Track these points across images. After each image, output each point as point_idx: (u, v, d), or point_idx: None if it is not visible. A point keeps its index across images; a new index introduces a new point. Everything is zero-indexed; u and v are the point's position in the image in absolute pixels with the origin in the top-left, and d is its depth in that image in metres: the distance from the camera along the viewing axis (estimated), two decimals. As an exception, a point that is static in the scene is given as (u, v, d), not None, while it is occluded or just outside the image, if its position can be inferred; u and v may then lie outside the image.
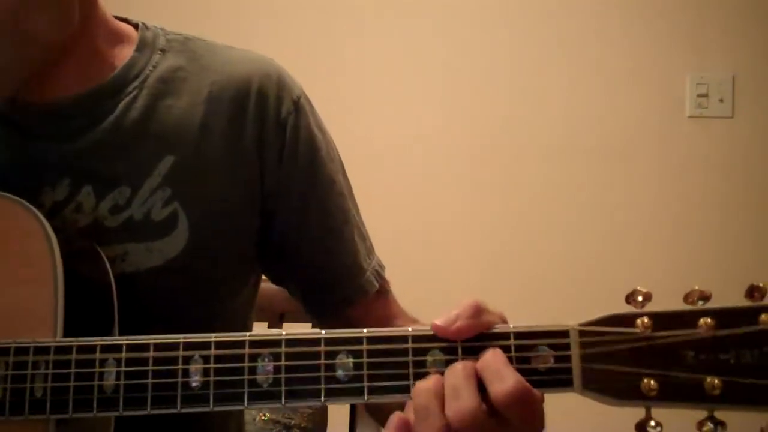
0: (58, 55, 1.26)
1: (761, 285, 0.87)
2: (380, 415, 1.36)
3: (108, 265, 1.18)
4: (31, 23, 1.18)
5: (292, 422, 2.00)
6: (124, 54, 1.34)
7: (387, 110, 3.41)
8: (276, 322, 2.01)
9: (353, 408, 1.89)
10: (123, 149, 1.28)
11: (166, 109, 1.31)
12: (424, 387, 0.92)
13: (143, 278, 1.24)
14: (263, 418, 1.99)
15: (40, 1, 1.18)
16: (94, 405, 1.01)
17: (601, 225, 3.36)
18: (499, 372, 0.90)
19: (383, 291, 1.43)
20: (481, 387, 0.90)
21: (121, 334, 1.11)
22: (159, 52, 1.35)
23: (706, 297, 0.89)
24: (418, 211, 3.36)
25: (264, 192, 1.33)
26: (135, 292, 1.20)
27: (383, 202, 3.18)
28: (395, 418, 0.95)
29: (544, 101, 3.41)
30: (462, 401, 0.89)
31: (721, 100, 3.38)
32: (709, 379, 0.86)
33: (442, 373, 0.93)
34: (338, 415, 2.00)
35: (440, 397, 0.91)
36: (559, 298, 3.24)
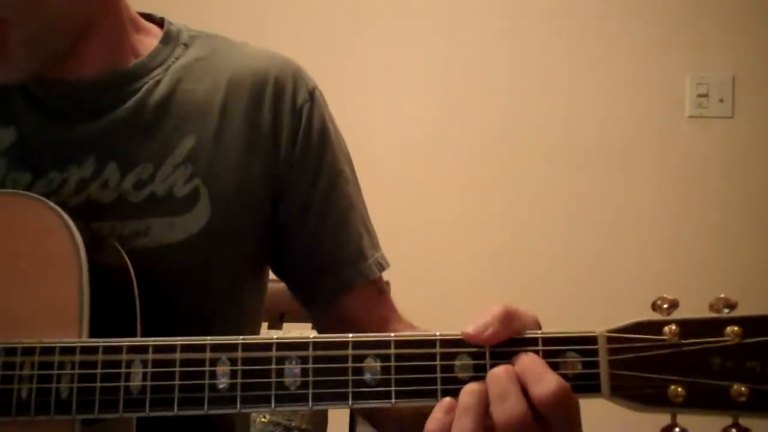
0: (81, 35, 1.30)
1: None
2: (377, 420, 1.38)
3: (122, 251, 1.20)
4: (48, 6, 1.22)
5: (293, 424, 2.00)
6: (148, 44, 1.39)
7: (387, 110, 3.42)
8: (276, 322, 2.02)
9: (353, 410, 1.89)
10: (146, 129, 1.32)
11: (187, 92, 1.36)
12: (473, 387, 0.93)
13: (165, 253, 1.27)
14: (263, 419, 1.99)
15: None
16: (121, 406, 1.01)
17: (601, 225, 3.37)
18: (541, 374, 0.92)
19: (382, 290, 1.45)
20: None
21: (141, 312, 1.13)
22: (182, 45, 1.41)
23: (731, 305, 0.90)
24: (418, 210, 3.36)
25: (277, 174, 1.37)
26: (157, 266, 1.23)
27: (383, 202, 3.16)
28: (446, 401, 0.95)
29: (544, 101, 3.42)
30: (509, 404, 0.90)
31: (721, 100, 3.39)
32: (735, 386, 0.88)
33: (471, 378, 0.95)
34: (338, 416, 2.01)
35: (484, 401, 0.92)
36: (559, 297, 3.24)
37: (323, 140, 1.41)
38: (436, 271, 3.28)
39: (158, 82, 1.35)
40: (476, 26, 3.44)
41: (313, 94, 1.42)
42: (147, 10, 1.46)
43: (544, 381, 0.91)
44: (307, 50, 3.32)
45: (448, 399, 0.94)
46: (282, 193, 1.37)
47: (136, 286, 1.17)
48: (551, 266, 3.33)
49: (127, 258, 1.20)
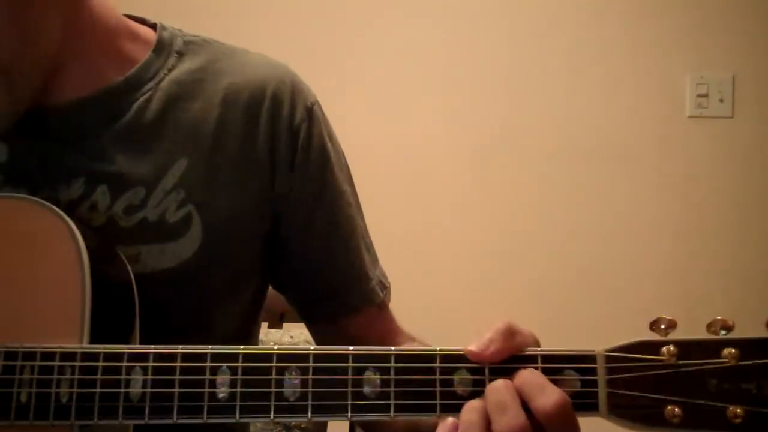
0: (71, 56, 1.27)
1: None
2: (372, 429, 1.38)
3: (127, 265, 1.19)
4: (40, 18, 1.20)
5: (292, 423, 2.01)
6: (140, 54, 1.34)
7: (387, 110, 3.41)
8: (276, 321, 2.02)
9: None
10: (138, 150, 1.28)
11: (180, 112, 1.31)
12: (474, 404, 0.94)
13: (156, 279, 1.25)
14: (263, 419, 1.99)
15: None
16: (120, 412, 1.02)
17: (600, 225, 3.37)
18: (543, 386, 0.92)
19: (384, 305, 1.44)
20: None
21: (140, 332, 1.13)
22: (176, 54, 1.36)
23: (728, 327, 0.91)
24: (418, 211, 3.36)
25: (274, 196, 1.34)
26: (148, 292, 1.20)
27: (383, 203, 3.17)
28: (448, 422, 0.96)
29: (544, 101, 3.41)
30: (510, 416, 0.91)
31: (721, 100, 3.39)
32: (731, 408, 0.89)
33: (470, 393, 0.96)
34: (338, 416, 2.01)
35: (486, 418, 0.93)
36: (559, 299, 3.25)
37: (322, 161, 1.38)
38: (435, 273, 3.28)
39: (150, 99, 1.30)
40: (476, 26, 3.44)
41: (311, 111, 1.37)
42: (146, 12, 1.42)
43: (547, 393, 0.92)
44: (307, 50, 3.36)
45: (450, 419, 0.95)
46: (282, 214, 1.35)
47: (137, 293, 1.17)
48: (551, 266, 3.33)
49: (128, 264, 1.20)
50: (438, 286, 3.25)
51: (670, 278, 3.25)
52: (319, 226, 1.37)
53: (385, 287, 1.43)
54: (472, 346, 0.97)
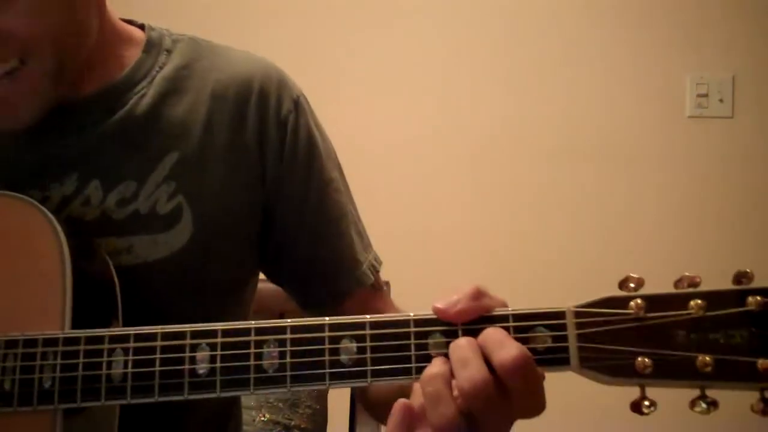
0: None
1: (748, 271, 0.93)
2: (380, 412, 1.39)
3: (109, 261, 1.21)
4: (85, 13, 1.25)
5: (292, 423, 2.01)
6: (131, 55, 1.37)
7: (387, 110, 3.42)
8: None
9: (353, 409, 1.90)
10: (129, 145, 1.31)
11: (171, 107, 1.34)
12: (431, 373, 0.95)
13: (150, 270, 1.27)
14: (263, 418, 2.00)
15: None
16: (102, 393, 1.03)
17: (600, 225, 3.37)
18: (502, 341, 0.93)
19: (379, 287, 1.46)
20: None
21: (125, 326, 1.13)
22: (165, 52, 1.39)
23: (695, 283, 0.94)
24: (418, 211, 3.37)
25: (265, 188, 1.36)
26: (141, 283, 1.23)
27: (382, 202, 3.18)
28: (398, 404, 0.98)
29: (544, 101, 3.41)
30: (471, 369, 0.92)
31: (721, 100, 3.39)
32: (701, 357, 0.89)
33: (445, 356, 0.96)
34: (338, 416, 2.01)
35: (449, 383, 0.94)
36: (559, 299, 3.22)
37: (310, 150, 1.40)
38: (435, 272, 3.27)
39: (143, 96, 1.33)
40: (476, 26, 3.44)
41: (297, 103, 1.41)
42: (144, 13, 1.46)
43: (506, 348, 0.92)
44: (307, 50, 3.37)
45: (401, 401, 0.98)
46: (274, 205, 1.37)
47: (116, 279, 1.19)
48: (551, 266, 3.33)
49: (105, 253, 1.22)
50: (437, 286, 3.20)
51: (671, 278, 3.23)
52: (309, 213, 1.39)
53: (376, 270, 1.44)
54: (440, 304, 0.98)
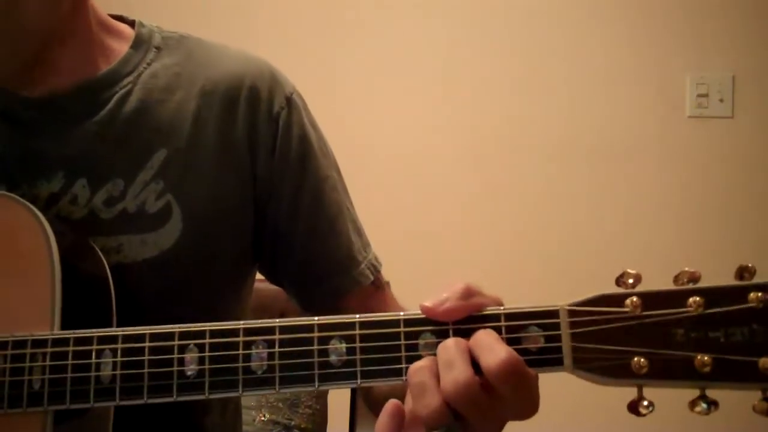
0: (50, 47, 1.27)
1: (750, 266, 0.89)
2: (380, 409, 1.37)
3: (103, 260, 1.20)
4: (21, 9, 1.20)
5: (292, 423, 2.00)
6: (119, 49, 1.36)
7: (387, 110, 3.42)
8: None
9: (353, 409, 1.89)
10: (117, 142, 1.29)
11: (159, 104, 1.33)
12: (418, 366, 0.93)
13: (139, 269, 1.26)
14: (263, 418, 1.99)
15: None
16: (91, 395, 1.02)
17: (601, 225, 3.36)
18: (491, 345, 0.91)
19: (380, 286, 1.44)
20: (475, 365, 0.91)
21: (118, 326, 1.12)
22: (154, 49, 1.37)
23: (695, 278, 0.91)
24: (418, 212, 3.36)
25: (256, 186, 1.35)
26: (130, 283, 1.22)
27: (384, 203, 3.18)
28: (389, 404, 0.96)
29: (545, 101, 3.41)
30: (456, 371, 0.90)
31: (721, 100, 3.38)
32: (699, 357, 0.87)
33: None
34: (338, 415, 2.00)
35: (435, 375, 0.92)
36: (561, 298, 3.22)
37: (303, 147, 1.38)
38: (436, 272, 3.26)
39: (129, 92, 1.32)
40: (476, 26, 3.44)
41: (290, 100, 1.39)
42: (141, 12, 1.44)
43: (495, 351, 0.90)
44: (307, 50, 3.36)
45: (392, 401, 0.96)
46: (267, 202, 1.35)
47: (115, 285, 1.17)
48: (552, 266, 3.32)
49: (99, 251, 1.20)
50: (438, 286, 3.22)
51: (670, 278, 3.22)
52: (304, 211, 1.37)
53: (377, 270, 1.43)
54: (428, 302, 0.96)
